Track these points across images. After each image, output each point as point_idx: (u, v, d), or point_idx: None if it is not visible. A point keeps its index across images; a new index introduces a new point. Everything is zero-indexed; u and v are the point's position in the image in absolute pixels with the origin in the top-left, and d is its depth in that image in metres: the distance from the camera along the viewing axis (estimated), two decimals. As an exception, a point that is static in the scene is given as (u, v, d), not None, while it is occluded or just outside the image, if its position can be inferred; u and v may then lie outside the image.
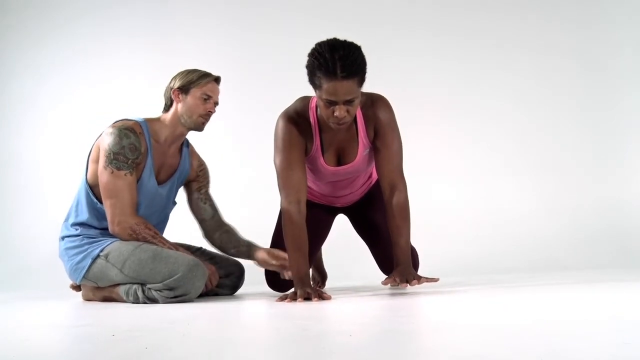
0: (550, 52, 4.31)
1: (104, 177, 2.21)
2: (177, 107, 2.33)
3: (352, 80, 1.90)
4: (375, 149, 2.20)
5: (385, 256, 2.45)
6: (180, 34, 4.27)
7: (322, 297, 1.98)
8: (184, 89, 2.32)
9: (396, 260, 2.11)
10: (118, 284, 2.23)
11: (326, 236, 2.65)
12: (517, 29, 4.32)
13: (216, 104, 2.37)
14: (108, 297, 2.29)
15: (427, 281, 2.03)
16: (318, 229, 2.54)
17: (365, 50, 1.97)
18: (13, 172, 4.18)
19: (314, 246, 2.54)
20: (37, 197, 4.09)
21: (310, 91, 2.08)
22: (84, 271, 2.23)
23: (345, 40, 1.95)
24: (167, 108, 2.37)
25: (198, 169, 2.54)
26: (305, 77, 1.99)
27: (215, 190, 3.99)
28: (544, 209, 4.09)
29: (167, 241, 2.25)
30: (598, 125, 4.28)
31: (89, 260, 2.22)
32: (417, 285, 2.01)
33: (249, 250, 2.42)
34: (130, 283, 2.19)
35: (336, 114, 1.95)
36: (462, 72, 4.26)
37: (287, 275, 2.31)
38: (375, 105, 2.17)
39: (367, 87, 2.02)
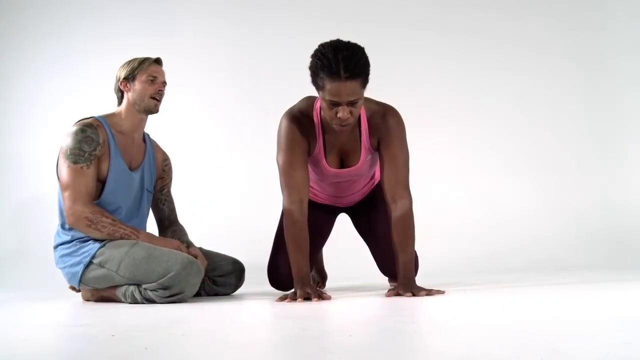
0: (550, 52, 4.30)
1: (62, 172, 2.25)
2: (128, 96, 2.38)
3: (356, 81, 1.90)
4: (380, 160, 2.18)
5: (384, 256, 2.44)
6: (180, 33, 4.26)
7: (322, 297, 1.98)
8: (129, 78, 2.37)
9: (399, 276, 2.08)
10: (116, 286, 2.23)
11: (328, 236, 2.64)
12: (518, 29, 4.31)
13: (164, 83, 2.42)
14: (107, 297, 2.29)
15: (432, 294, 1.99)
16: (320, 229, 2.54)
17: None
18: (13, 172, 4.17)
19: (316, 246, 2.54)
20: (37, 197, 4.08)
21: (312, 91, 2.08)
22: (80, 277, 2.24)
23: (348, 41, 1.95)
24: (120, 101, 2.43)
25: (163, 164, 2.59)
26: (305, 77, 1.99)
27: (214, 190, 4.02)
28: (544, 209, 4.08)
29: (127, 226, 2.24)
30: (598, 125, 4.28)
31: (82, 267, 2.22)
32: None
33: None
34: (127, 284, 2.19)
35: (339, 115, 1.94)
36: (462, 72, 4.26)
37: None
38: (385, 116, 2.16)
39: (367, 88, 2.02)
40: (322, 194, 2.49)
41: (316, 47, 1.97)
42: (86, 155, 2.24)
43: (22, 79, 4.28)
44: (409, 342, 1.10)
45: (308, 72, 1.98)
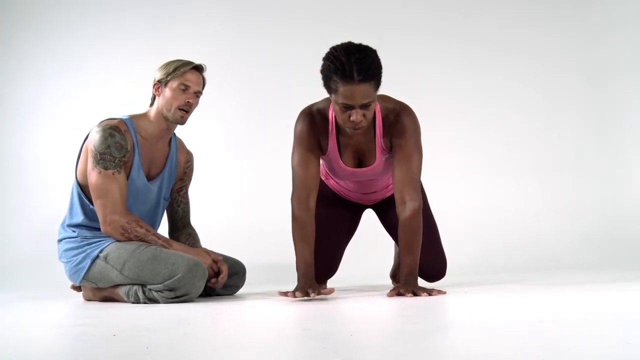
0: (551, 56, 4.31)
1: (92, 177, 2.19)
2: (158, 101, 2.29)
3: (369, 84, 1.89)
4: (393, 159, 2.15)
5: None
6: (182, 37, 4.25)
7: (322, 292, 1.96)
8: (162, 82, 2.27)
9: (401, 275, 2.07)
10: (118, 285, 2.22)
11: (353, 232, 2.61)
12: (519, 35, 4.32)
13: (197, 93, 2.30)
14: (108, 297, 2.28)
15: (433, 294, 1.98)
16: (346, 225, 2.54)
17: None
18: (16, 172, 4.17)
19: (341, 242, 2.54)
20: (39, 197, 4.09)
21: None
22: (84, 272, 2.22)
23: (360, 44, 1.94)
24: (152, 102, 2.34)
25: (185, 165, 2.51)
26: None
27: (214, 190, 4.02)
28: (544, 208, 4.08)
29: (160, 236, 2.23)
30: (599, 126, 4.28)
31: (88, 261, 2.21)
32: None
33: None
34: (130, 284, 2.18)
35: (352, 118, 1.93)
36: (465, 77, 4.26)
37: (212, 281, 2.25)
38: (400, 115, 2.13)
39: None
40: (345, 190, 2.49)
41: (327, 50, 1.95)
42: (116, 161, 2.19)
43: (25, 79, 4.28)
44: (409, 342, 1.10)
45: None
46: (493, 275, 2.99)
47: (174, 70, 2.26)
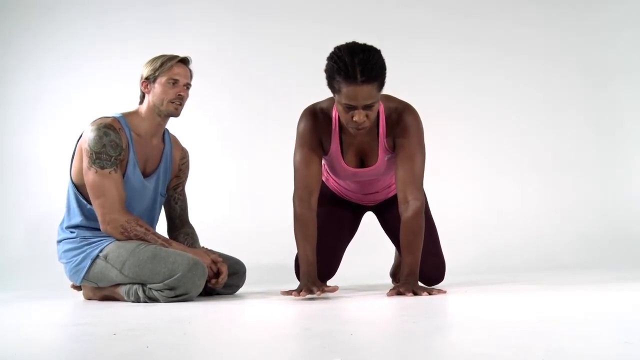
0: (551, 56, 4.31)
1: (89, 177, 2.19)
2: (149, 97, 2.30)
3: (372, 85, 1.89)
4: (396, 158, 2.15)
5: None
6: (182, 37, 4.25)
7: (325, 290, 1.96)
8: (150, 78, 2.28)
9: (402, 275, 2.07)
10: (119, 284, 2.22)
11: (354, 234, 2.62)
12: (519, 35, 4.32)
13: (187, 86, 2.32)
14: (109, 296, 2.28)
15: (433, 294, 1.98)
16: (346, 227, 2.54)
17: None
18: (16, 172, 4.17)
19: (342, 243, 2.54)
20: (39, 197, 4.08)
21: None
22: (84, 272, 2.23)
23: (364, 44, 1.93)
24: (141, 100, 2.34)
25: (181, 162, 2.52)
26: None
27: (213, 190, 4.02)
28: (545, 209, 4.08)
29: (160, 236, 2.24)
30: (599, 126, 4.28)
31: (88, 261, 2.21)
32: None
33: None
34: (130, 283, 2.18)
35: (355, 118, 1.94)
36: (465, 77, 4.26)
37: (212, 282, 2.25)
38: (402, 114, 2.13)
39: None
40: (346, 190, 2.49)
41: (330, 50, 1.95)
42: (112, 160, 2.19)
43: (26, 79, 4.28)
44: (410, 342, 1.10)
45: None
46: (493, 275, 2.99)
47: (161, 65, 2.28)
